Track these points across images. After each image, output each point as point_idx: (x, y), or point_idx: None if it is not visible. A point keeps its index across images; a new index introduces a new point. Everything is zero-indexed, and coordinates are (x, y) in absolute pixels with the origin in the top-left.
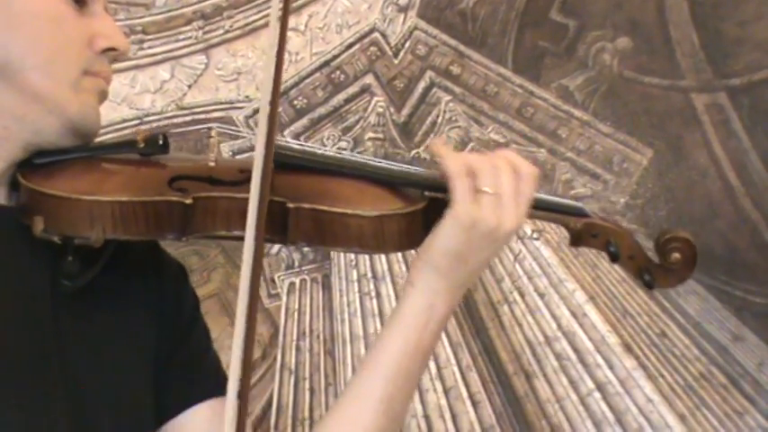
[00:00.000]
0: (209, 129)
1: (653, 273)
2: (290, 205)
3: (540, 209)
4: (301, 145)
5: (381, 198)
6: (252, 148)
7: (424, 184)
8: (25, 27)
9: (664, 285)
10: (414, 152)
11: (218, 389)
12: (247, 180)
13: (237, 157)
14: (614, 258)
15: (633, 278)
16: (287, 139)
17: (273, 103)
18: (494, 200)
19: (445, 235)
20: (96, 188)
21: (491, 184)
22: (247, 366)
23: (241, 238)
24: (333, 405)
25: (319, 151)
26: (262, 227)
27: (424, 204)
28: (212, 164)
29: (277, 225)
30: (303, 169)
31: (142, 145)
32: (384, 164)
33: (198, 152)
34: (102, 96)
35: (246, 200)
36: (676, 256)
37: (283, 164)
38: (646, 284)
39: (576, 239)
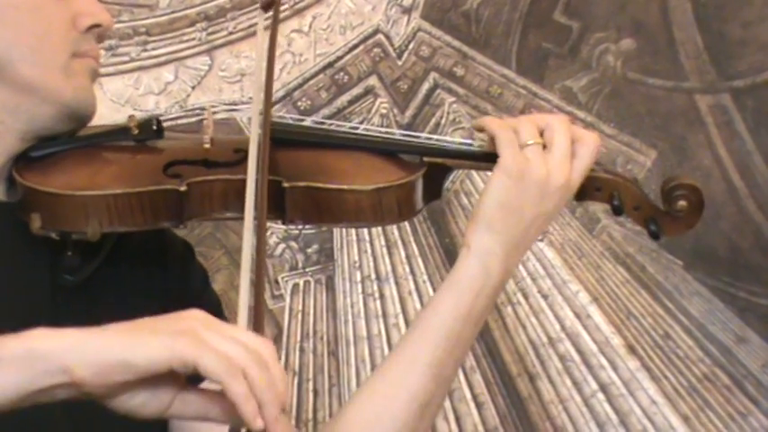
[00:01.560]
0: (203, 110)
1: (659, 222)
2: (286, 185)
3: None
4: (282, 117)
5: (379, 169)
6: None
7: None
8: (5, 20)
9: (671, 233)
10: None
11: None
12: (243, 160)
13: None
14: (618, 212)
15: (640, 228)
16: (282, 115)
17: (267, 103)
18: (539, 150)
19: (495, 188)
20: (90, 182)
21: (534, 136)
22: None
23: (241, 219)
24: (378, 366)
25: (313, 125)
26: (263, 211)
27: (422, 171)
28: (207, 145)
29: (274, 205)
30: (298, 144)
31: (136, 131)
32: (382, 132)
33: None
34: (94, 75)
35: (243, 181)
36: (682, 203)
37: (278, 140)
38: (652, 235)
39: (580, 193)
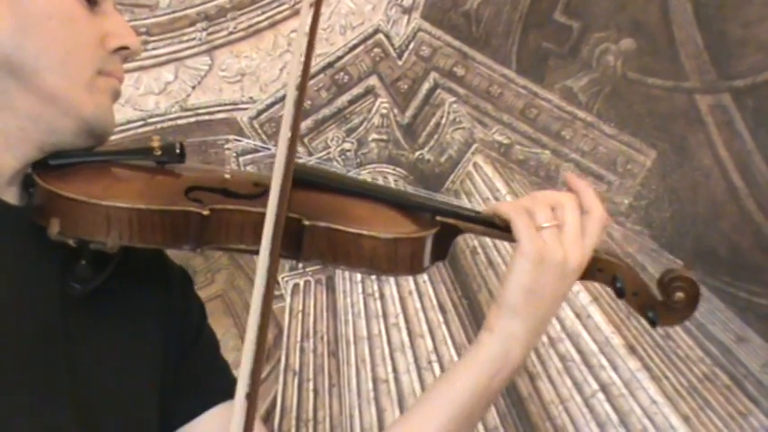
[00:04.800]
0: (227, 140)
1: (656, 310)
2: (306, 222)
3: None
4: (311, 161)
5: (395, 220)
6: (256, 151)
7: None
8: (39, 28)
9: (665, 323)
10: (417, 153)
11: (228, 393)
12: (262, 194)
13: (242, 158)
14: (620, 294)
15: (637, 314)
16: (303, 158)
17: (294, 128)
18: (556, 232)
19: (516, 273)
20: (115, 194)
21: (549, 218)
22: (257, 370)
23: (253, 252)
24: (390, 429)
25: (334, 170)
26: (277, 245)
27: (437, 229)
28: (227, 176)
29: (291, 242)
30: (319, 187)
31: (159, 153)
32: (398, 189)
33: (200, 154)
34: (116, 96)
35: (261, 214)
36: (680, 295)
37: (300, 180)
38: (650, 321)
39: (583, 274)
